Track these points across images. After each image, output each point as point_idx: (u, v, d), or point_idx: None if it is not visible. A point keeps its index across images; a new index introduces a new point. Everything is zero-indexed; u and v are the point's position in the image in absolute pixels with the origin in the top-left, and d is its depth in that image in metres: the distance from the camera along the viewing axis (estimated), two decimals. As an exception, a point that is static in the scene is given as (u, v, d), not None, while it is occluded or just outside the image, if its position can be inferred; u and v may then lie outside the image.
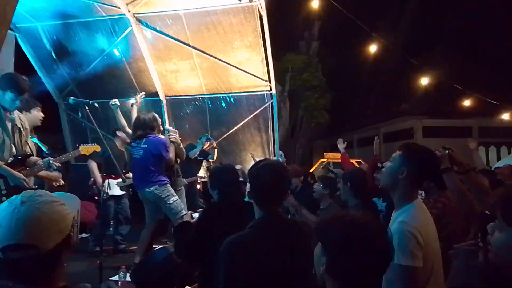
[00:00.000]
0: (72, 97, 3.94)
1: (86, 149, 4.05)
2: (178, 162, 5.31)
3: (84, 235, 6.22)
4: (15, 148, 3.57)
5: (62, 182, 3.87)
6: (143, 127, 4.52)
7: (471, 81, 14.10)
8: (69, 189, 4.03)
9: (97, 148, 4.11)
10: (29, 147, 3.77)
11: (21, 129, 3.67)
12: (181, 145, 4.94)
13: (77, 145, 4.31)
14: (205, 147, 6.79)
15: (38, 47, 7.66)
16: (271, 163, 2.11)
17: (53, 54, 7.70)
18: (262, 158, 7.00)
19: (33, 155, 3.74)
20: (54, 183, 3.76)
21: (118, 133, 5.48)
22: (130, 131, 4.85)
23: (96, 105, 3.94)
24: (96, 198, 5.42)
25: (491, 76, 17.80)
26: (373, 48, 11.49)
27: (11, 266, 1.11)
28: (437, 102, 19.06)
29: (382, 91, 22.33)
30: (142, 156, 4.47)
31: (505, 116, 13.20)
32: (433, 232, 1.90)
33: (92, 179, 5.54)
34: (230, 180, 2.70)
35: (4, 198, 3.40)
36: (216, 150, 7.23)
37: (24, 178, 3.47)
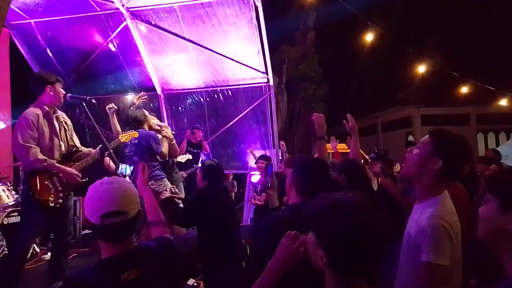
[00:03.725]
0: (69, 94, 3.90)
1: (125, 136, 4.05)
2: (174, 160, 5.28)
3: (86, 231, 6.24)
4: (64, 145, 3.70)
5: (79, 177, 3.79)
6: (131, 123, 4.49)
7: (467, 68, 14.09)
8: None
9: (135, 134, 4.09)
10: (74, 142, 3.87)
11: (66, 126, 3.80)
12: (174, 141, 4.91)
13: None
14: (198, 138, 6.87)
15: (33, 44, 7.60)
16: (319, 159, 2.31)
17: (48, 51, 7.65)
18: (261, 152, 7.04)
19: (78, 150, 3.84)
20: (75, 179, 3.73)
21: None
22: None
23: (93, 101, 3.91)
24: None
25: (488, 63, 17.78)
26: (369, 37, 11.45)
27: (107, 230, 1.47)
28: (434, 90, 19.07)
29: (379, 81, 22.31)
30: (134, 152, 4.44)
31: (503, 102, 13.22)
32: (459, 227, 1.76)
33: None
34: (218, 176, 3.58)
35: (61, 194, 3.54)
36: (204, 142, 7.27)
37: (77, 173, 3.61)
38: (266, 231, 1.96)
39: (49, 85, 3.55)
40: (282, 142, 7.35)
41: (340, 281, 1.15)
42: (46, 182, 3.49)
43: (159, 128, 4.74)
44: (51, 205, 3.48)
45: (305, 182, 2.04)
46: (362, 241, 1.09)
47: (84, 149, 3.90)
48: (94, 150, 3.82)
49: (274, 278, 1.40)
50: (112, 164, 5.05)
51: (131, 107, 4.99)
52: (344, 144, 5.49)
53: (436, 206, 1.67)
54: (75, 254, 5.15)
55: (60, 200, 3.55)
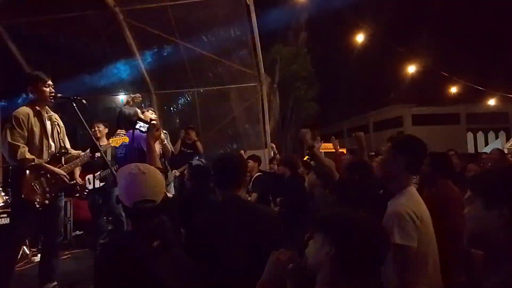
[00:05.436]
0: (60, 94, 3.87)
1: (116, 141, 4.01)
2: (165, 161, 5.26)
3: (77, 232, 6.19)
4: (54, 146, 3.66)
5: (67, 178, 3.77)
6: (124, 122, 4.42)
7: (457, 68, 14.26)
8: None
9: (125, 139, 4.04)
10: (65, 144, 3.84)
11: (59, 127, 3.77)
12: (165, 141, 4.85)
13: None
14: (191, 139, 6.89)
15: (23, 43, 7.53)
16: (231, 155, 2.46)
17: (39, 50, 7.57)
18: (252, 153, 7.03)
19: (68, 152, 3.79)
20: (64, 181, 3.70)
21: None
22: None
23: (84, 101, 3.89)
24: (77, 195, 5.31)
25: (477, 63, 18.01)
26: (360, 37, 11.56)
27: (137, 213, 1.67)
28: (424, 90, 19.27)
29: (371, 80, 22.48)
30: (126, 153, 4.37)
31: (491, 102, 13.44)
32: (427, 216, 2.02)
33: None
34: (205, 177, 3.46)
35: (47, 195, 3.49)
36: (198, 142, 7.25)
37: (64, 174, 3.56)
38: (193, 236, 2.10)
39: (29, 85, 3.55)
40: (272, 144, 7.37)
41: (342, 272, 1.29)
42: (33, 183, 3.46)
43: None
44: (37, 206, 3.44)
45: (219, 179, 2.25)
46: (369, 245, 1.29)
47: (74, 152, 3.86)
48: (83, 153, 3.80)
49: None
50: (78, 176, 4.99)
51: (125, 106, 4.94)
52: (330, 144, 5.47)
53: (402, 198, 2.01)
54: (68, 256, 5.12)
55: (47, 201, 3.50)
